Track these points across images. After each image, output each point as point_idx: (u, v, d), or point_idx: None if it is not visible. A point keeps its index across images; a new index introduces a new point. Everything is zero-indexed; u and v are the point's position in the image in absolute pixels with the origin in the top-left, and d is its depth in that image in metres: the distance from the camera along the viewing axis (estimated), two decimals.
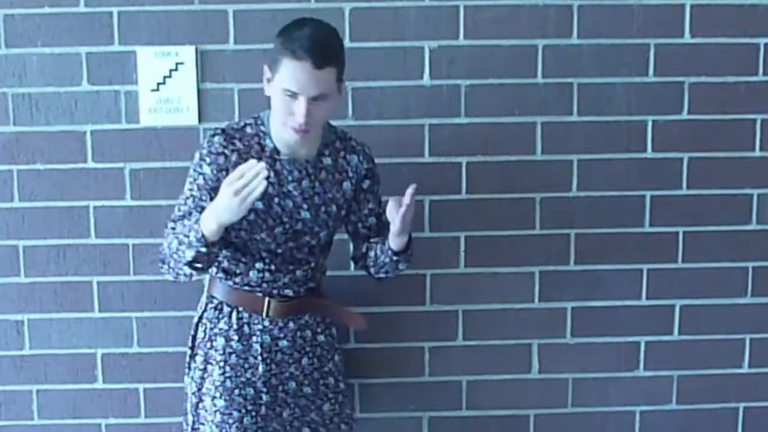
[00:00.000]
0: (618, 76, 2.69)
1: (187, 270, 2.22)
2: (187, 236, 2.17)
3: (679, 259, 2.78)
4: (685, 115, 2.72)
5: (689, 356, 2.83)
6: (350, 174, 2.37)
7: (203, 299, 2.44)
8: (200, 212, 2.21)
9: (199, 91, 2.66)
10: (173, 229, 2.25)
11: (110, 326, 2.74)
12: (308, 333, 2.42)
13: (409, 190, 2.18)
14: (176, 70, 2.64)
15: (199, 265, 2.20)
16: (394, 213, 2.21)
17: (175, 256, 2.21)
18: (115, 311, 2.74)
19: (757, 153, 2.74)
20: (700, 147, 2.73)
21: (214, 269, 2.39)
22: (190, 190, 2.28)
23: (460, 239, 2.74)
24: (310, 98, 2.15)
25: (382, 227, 2.40)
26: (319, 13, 2.60)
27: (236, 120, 2.62)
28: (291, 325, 2.39)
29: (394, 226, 2.23)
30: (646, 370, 2.83)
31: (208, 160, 2.26)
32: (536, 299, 2.78)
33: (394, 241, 2.30)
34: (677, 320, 2.81)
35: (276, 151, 2.29)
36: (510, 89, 2.68)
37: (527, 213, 2.74)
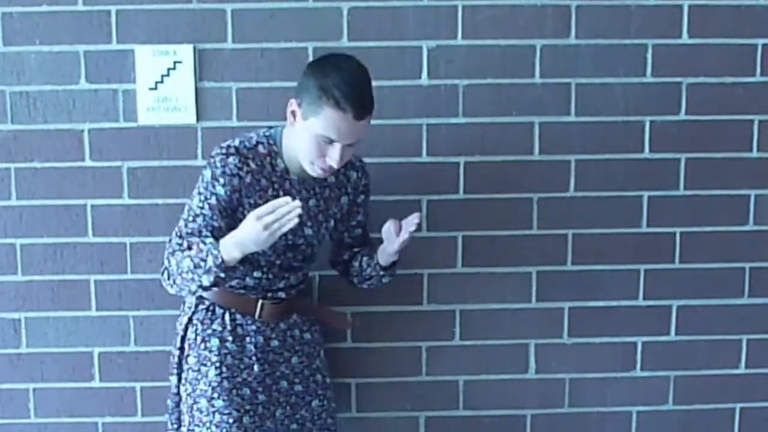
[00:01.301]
0: (616, 76, 2.69)
1: (195, 289, 2.22)
2: (204, 260, 2.16)
3: (677, 259, 2.78)
4: (682, 116, 2.72)
5: (686, 357, 2.83)
6: (349, 190, 2.42)
7: (191, 300, 2.42)
8: (211, 231, 2.22)
9: (197, 89, 2.66)
10: (179, 245, 2.23)
11: (107, 325, 2.74)
12: (296, 332, 2.47)
13: (414, 219, 2.23)
14: (174, 68, 2.64)
15: (214, 288, 2.23)
16: (393, 235, 2.26)
17: (186, 276, 2.20)
18: (112, 310, 2.74)
19: (755, 154, 2.75)
20: (698, 147, 2.73)
21: None
22: (201, 207, 2.25)
23: (457, 239, 2.74)
24: (346, 144, 2.18)
25: (366, 238, 2.50)
26: (317, 12, 2.61)
27: (236, 122, 2.65)
28: (282, 325, 2.43)
29: (390, 247, 2.29)
30: (643, 370, 2.83)
31: (222, 180, 2.24)
32: (533, 299, 2.78)
33: (384, 258, 2.37)
34: (674, 320, 2.81)
35: (286, 170, 2.31)
36: (508, 89, 2.68)
37: (525, 213, 2.74)
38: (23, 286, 2.72)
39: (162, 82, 2.65)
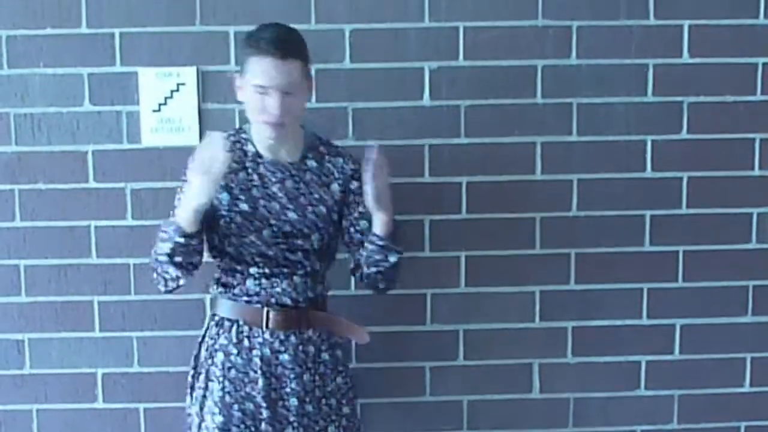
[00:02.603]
0: (617, 95, 2.70)
1: (171, 271, 2.26)
2: (166, 232, 2.24)
3: (680, 278, 2.78)
4: (684, 135, 2.73)
5: (690, 375, 2.82)
6: (337, 175, 2.40)
7: (207, 320, 2.44)
8: None
9: (200, 111, 2.68)
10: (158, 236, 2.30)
11: (111, 345, 2.74)
12: (311, 349, 2.40)
13: (373, 146, 2.24)
14: (177, 90, 2.66)
15: (178, 259, 2.24)
16: (366, 177, 2.25)
17: (158, 257, 2.26)
18: (116, 330, 2.74)
19: (757, 172, 2.75)
20: (700, 166, 2.74)
21: (214, 286, 2.41)
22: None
23: (460, 258, 2.75)
24: (281, 91, 2.21)
25: None
26: (320, 33, 2.63)
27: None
28: (293, 338, 2.37)
29: (367, 190, 2.25)
30: (647, 389, 2.82)
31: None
32: (537, 318, 2.78)
33: (376, 222, 2.32)
34: (678, 339, 2.81)
35: (258, 155, 2.34)
36: (510, 109, 2.69)
37: (527, 232, 2.74)
38: (27, 307, 2.73)
39: (165, 103, 2.66)
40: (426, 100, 2.69)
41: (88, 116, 2.67)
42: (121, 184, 2.69)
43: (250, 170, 2.33)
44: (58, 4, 2.62)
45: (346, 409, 2.45)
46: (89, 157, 2.68)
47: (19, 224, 2.70)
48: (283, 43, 2.22)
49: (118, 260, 2.71)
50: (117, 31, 2.64)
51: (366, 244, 2.37)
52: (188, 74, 2.65)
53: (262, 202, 2.33)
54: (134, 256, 2.70)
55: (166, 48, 2.64)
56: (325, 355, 2.43)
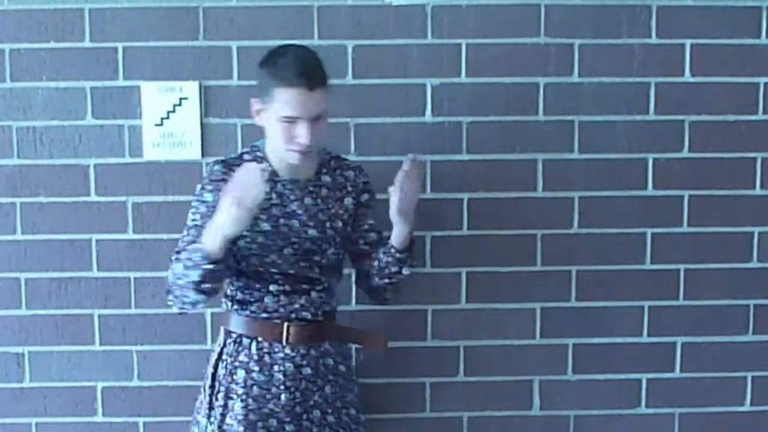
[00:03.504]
0: (619, 114, 2.71)
1: (194, 296, 2.20)
2: (191, 259, 2.17)
3: (681, 296, 2.78)
4: (685, 153, 2.73)
5: (691, 394, 2.82)
6: (350, 189, 2.41)
7: (221, 337, 2.41)
8: None
9: (202, 126, 2.68)
10: (177, 259, 2.24)
11: (111, 359, 2.74)
12: (330, 361, 2.40)
13: (410, 156, 2.23)
14: (180, 105, 2.66)
15: (206, 286, 2.19)
16: (394, 186, 2.24)
17: (180, 281, 2.20)
18: (116, 344, 2.73)
19: (758, 191, 2.75)
20: (701, 185, 2.74)
21: (228, 303, 2.40)
22: (194, 220, 2.30)
23: (461, 275, 2.75)
24: (310, 120, 2.21)
25: (384, 243, 2.40)
26: (322, 49, 2.61)
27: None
28: (312, 352, 2.37)
29: (393, 200, 2.24)
30: (648, 407, 2.82)
31: (209, 187, 2.29)
32: (537, 335, 2.78)
33: (396, 234, 2.31)
34: (679, 357, 2.80)
35: (275, 173, 2.33)
36: (511, 126, 2.70)
37: (528, 249, 2.74)
38: (27, 320, 2.73)
39: (168, 118, 2.67)
40: (428, 116, 2.69)
41: (90, 130, 2.67)
42: (123, 198, 2.69)
43: (268, 189, 2.29)
44: (62, 17, 2.63)
45: (362, 417, 2.48)
46: (91, 170, 2.68)
47: (20, 237, 2.70)
48: (311, 73, 2.21)
49: (119, 274, 2.71)
50: (120, 46, 2.64)
51: (381, 255, 2.37)
52: (191, 89, 2.66)
53: (282, 221, 2.31)
54: (135, 270, 2.70)
55: (168, 62, 2.65)
56: (342, 367, 2.44)
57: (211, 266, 2.15)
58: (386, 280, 2.39)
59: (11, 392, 2.75)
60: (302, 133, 2.22)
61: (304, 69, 2.21)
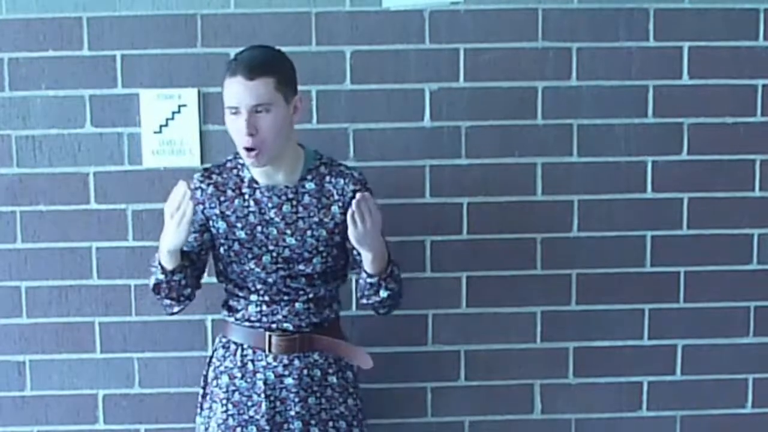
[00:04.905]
0: (617, 117, 2.71)
1: (163, 300, 2.33)
2: (151, 266, 2.30)
3: (681, 298, 2.78)
4: (684, 156, 2.73)
5: (692, 396, 2.82)
6: (336, 197, 2.35)
7: (216, 342, 2.45)
8: (188, 247, 2.31)
9: (201, 133, 2.68)
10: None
11: (112, 367, 2.74)
12: (317, 372, 2.38)
13: (357, 196, 2.17)
14: (179, 112, 2.67)
15: (162, 293, 2.30)
16: (348, 217, 2.19)
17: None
18: (117, 352, 2.74)
19: (757, 193, 2.75)
20: (700, 187, 2.74)
21: (223, 308, 2.42)
22: None
23: (461, 279, 2.75)
24: (250, 110, 2.19)
25: None
26: (320, 55, 2.64)
27: None
28: (297, 362, 2.36)
29: (350, 232, 2.19)
30: (649, 410, 2.82)
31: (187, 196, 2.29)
32: (538, 339, 2.78)
33: (365, 260, 2.28)
34: (680, 360, 2.80)
35: (254, 180, 2.33)
36: (510, 130, 2.70)
37: (528, 253, 2.74)
38: (28, 329, 2.73)
39: (167, 125, 2.67)
40: (427, 121, 2.69)
41: (90, 138, 2.67)
42: (123, 206, 2.69)
43: (246, 197, 2.32)
44: (60, 26, 2.64)
45: (356, 431, 2.44)
46: (90, 178, 2.68)
47: (21, 246, 2.70)
48: (252, 62, 2.20)
49: (119, 281, 2.71)
50: (118, 53, 2.65)
51: (359, 278, 2.35)
52: (189, 96, 2.66)
53: (259, 228, 2.31)
54: (135, 278, 2.70)
55: (167, 70, 2.65)
56: (333, 378, 2.41)
57: (162, 276, 2.26)
58: (365, 301, 2.38)
59: (13, 401, 2.75)
60: (241, 124, 2.20)
61: (247, 59, 2.22)
